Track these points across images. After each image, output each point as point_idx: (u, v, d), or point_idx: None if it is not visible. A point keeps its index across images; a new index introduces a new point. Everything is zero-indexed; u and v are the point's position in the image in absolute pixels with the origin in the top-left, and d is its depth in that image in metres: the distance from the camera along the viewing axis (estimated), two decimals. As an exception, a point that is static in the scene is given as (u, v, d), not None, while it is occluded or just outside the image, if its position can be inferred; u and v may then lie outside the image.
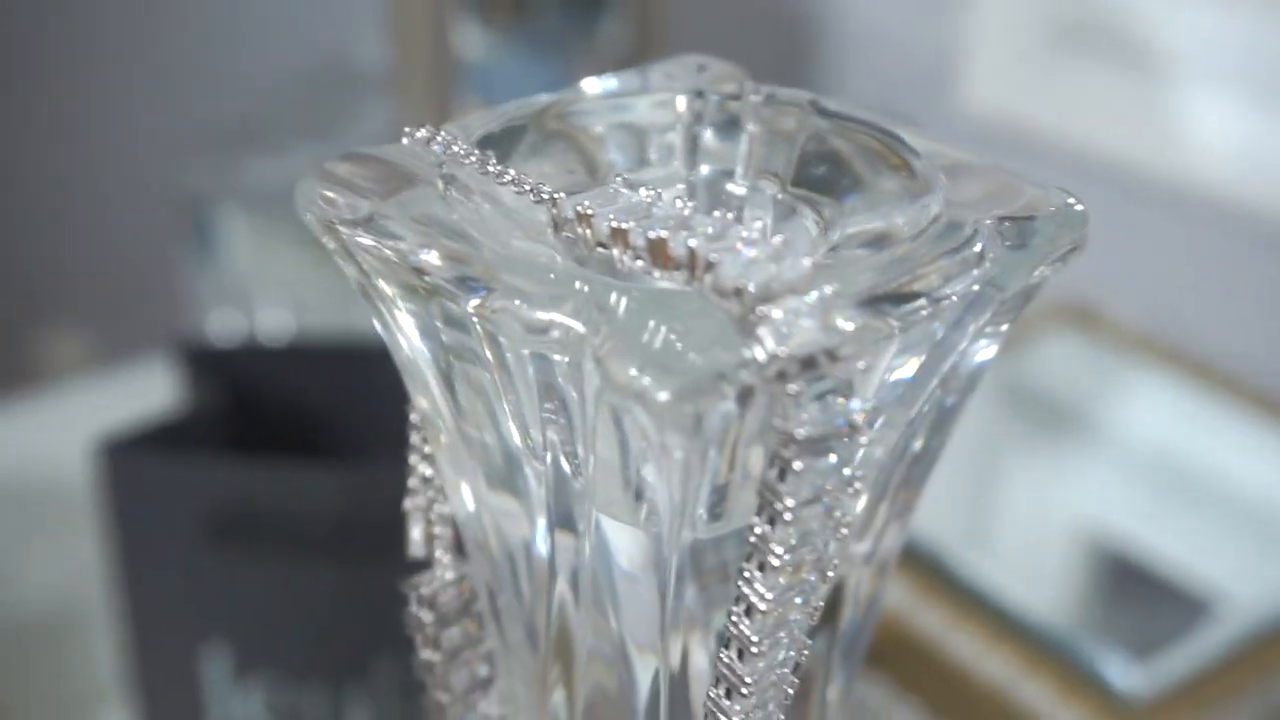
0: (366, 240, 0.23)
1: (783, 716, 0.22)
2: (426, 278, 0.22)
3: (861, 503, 0.25)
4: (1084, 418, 0.70)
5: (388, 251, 0.23)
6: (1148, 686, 0.51)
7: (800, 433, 0.19)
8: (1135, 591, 0.60)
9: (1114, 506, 0.64)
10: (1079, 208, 0.23)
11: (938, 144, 0.26)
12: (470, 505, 0.27)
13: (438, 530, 0.27)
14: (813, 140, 0.26)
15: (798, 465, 0.19)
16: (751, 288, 0.19)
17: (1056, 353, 0.71)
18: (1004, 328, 0.24)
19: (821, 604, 0.21)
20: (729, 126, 0.27)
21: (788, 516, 0.19)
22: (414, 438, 0.28)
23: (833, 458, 0.19)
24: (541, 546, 0.26)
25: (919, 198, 0.24)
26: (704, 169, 0.27)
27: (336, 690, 0.53)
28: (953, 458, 0.68)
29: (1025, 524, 0.65)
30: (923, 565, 0.56)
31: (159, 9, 1.39)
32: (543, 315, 0.21)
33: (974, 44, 0.78)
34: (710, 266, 0.19)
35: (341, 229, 0.23)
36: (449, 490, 0.28)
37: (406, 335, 0.25)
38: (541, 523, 0.26)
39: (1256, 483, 0.63)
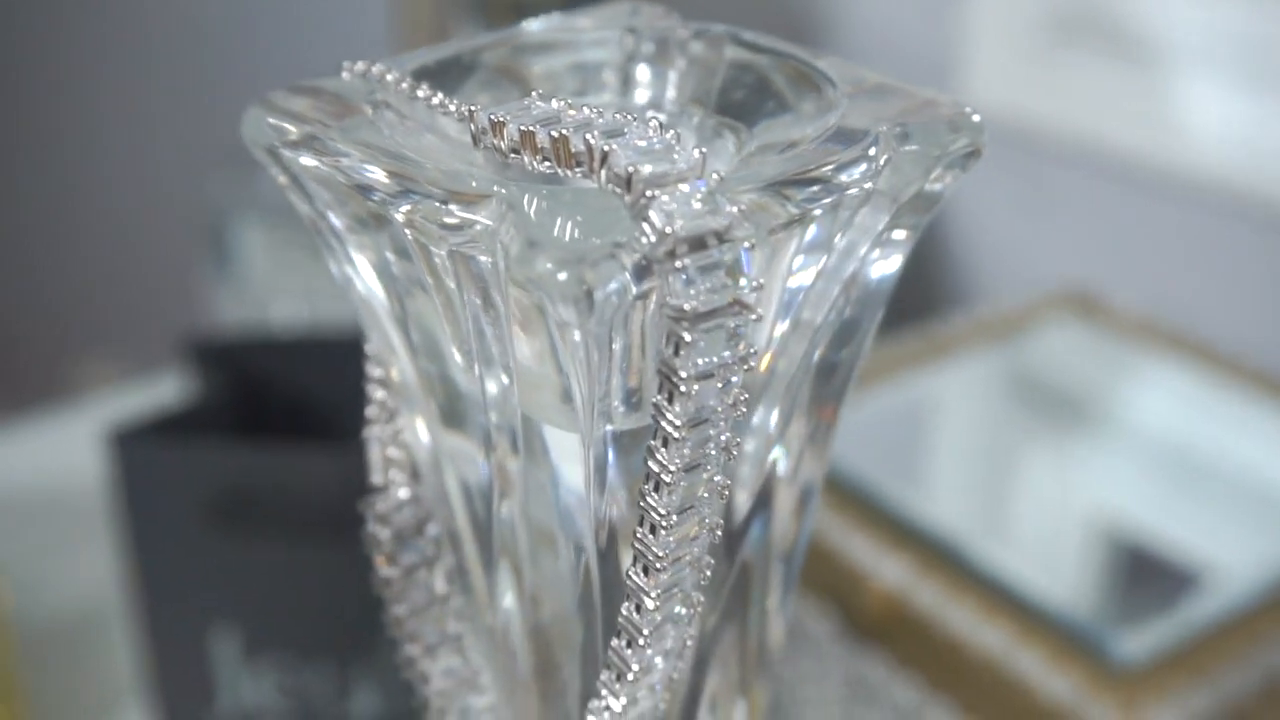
0: (310, 161, 0.24)
1: (701, 597, 0.23)
2: (373, 195, 0.24)
3: (774, 417, 0.26)
4: (1086, 402, 0.70)
5: (331, 171, 0.24)
6: (1139, 654, 0.52)
7: (688, 306, 0.20)
8: (1137, 570, 0.60)
9: (1118, 489, 0.64)
10: (975, 118, 0.25)
11: (864, 71, 0.27)
12: (424, 438, 0.29)
13: (392, 452, 0.29)
14: (735, 70, 0.27)
15: (689, 338, 0.20)
16: (644, 171, 0.20)
17: (1059, 340, 0.72)
18: (902, 235, 0.25)
19: (729, 483, 0.22)
20: (660, 61, 0.28)
21: (683, 389, 0.21)
22: (368, 368, 0.29)
23: (723, 332, 0.21)
24: (492, 471, 0.28)
25: (826, 113, 0.25)
26: (636, 99, 0.28)
27: (343, 669, 0.54)
28: (956, 442, 0.69)
29: (1029, 507, 0.65)
30: (922, 545, 0.57)
31: (170, 36, 1.42)
32: (462, 214, 0.22)
33: (973, 41, 0.79)
34: (605, 157, 0.21)
35: (284, 151, 0.25)
36: (404, 425, 0.29)
37: (361, 275, 0.27)
38: (490, 448, 0.27)
39: (1258, 461, 0.64)
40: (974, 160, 0.24)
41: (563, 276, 0.20)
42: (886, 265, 0.26)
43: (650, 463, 0.22)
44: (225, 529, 0.53)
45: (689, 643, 0.24)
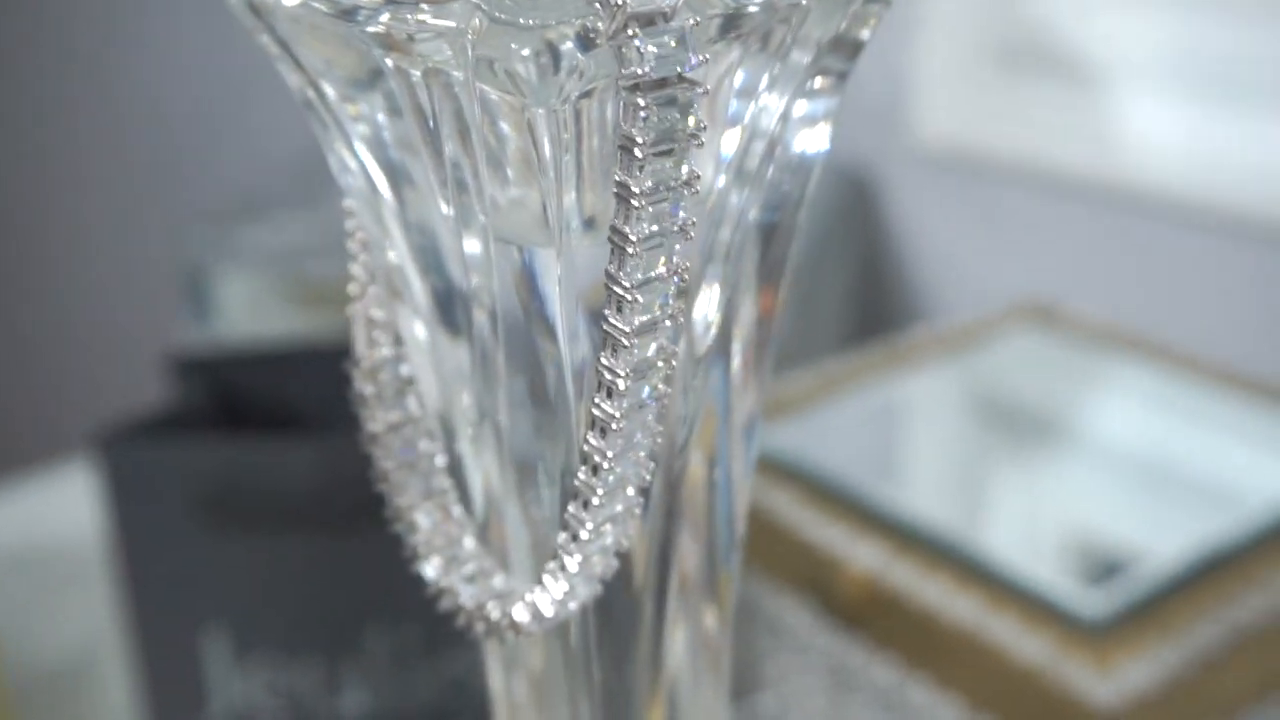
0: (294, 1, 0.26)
1: (668, 389, 0.25)
2: (357, 15, 0.25)
3: (718, 291, 0.28)
4: (1048, 407, 0.72)
5: (316, 3, 0.26)
6: (1109, 612, 0.53)
7: (641, 71, 0.22)
8: (1102, 564, 0.62)
9: (1083, 489, 0.66)
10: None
11: None
12: (417, 330, 0.30)
13: (375, 314, 0.30)
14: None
15: (641, 101, 0.22)
16: (596, -43, 0.23)
17: (1020, 347, 0.74)
18: (824, 85, 0.27)
19: (688, 265, 0.24)
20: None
21: (639, 154, 0.23)
22: (348, 245, 0.31)
23: (675, 107, 0.23)
24: (472, 346, 0.29)
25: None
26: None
27: (331, 665, 0.55)
28: (921, 447, 0.70)
29: (996, 508, 0.67)
30: (894, 529, 0.59)
31: (154, 100, 1.45)
32: (433, 19, 0.24)
33: (923, 77, 0.82)
34: (562, -53, 0.23)
35: None
36: (380, 302, 0.31)
37: (357, 153, 0.28)
38: (470, 324, 0.29)
39: (1221, 457, 0.66)
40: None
41: (525, 51, 0.22)
42: (812, 139, 0.28)
43: (612, 237, 0.24)
44: (213, 527, 0.54)
45: (659, 439, 0.26)
